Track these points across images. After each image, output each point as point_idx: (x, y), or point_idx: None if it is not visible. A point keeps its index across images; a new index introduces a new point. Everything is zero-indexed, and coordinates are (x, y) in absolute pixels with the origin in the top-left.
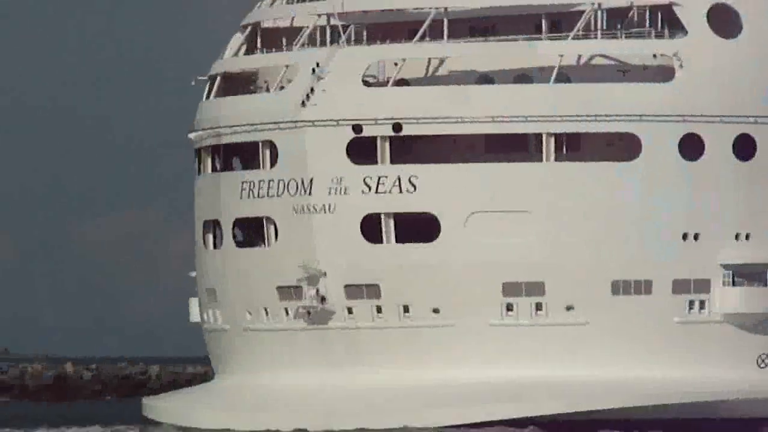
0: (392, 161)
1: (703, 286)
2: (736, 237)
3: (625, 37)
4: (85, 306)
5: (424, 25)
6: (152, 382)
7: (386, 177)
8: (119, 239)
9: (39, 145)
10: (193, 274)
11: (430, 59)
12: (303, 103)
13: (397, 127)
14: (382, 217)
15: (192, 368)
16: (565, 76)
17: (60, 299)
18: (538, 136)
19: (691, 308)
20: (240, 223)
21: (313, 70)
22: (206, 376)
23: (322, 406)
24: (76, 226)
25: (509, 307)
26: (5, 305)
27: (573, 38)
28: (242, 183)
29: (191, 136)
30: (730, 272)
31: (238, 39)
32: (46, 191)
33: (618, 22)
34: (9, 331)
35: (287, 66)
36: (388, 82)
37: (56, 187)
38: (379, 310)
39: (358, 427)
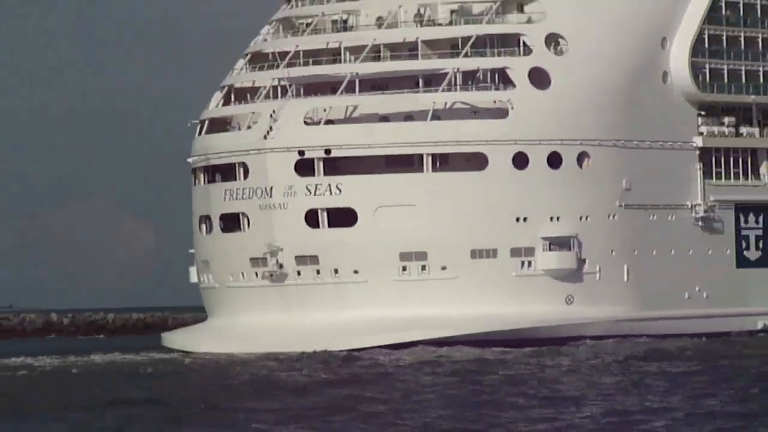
0: (325, 174)
1: (530, 251)
2: (550, 219)
3: (475, 90)
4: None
5: (343, 84)
6: (109, 325)
7: (321, 184)
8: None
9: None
10: (192, 250)
11: (347, 106)
12: (265, 137)
13: (327, 151)
14: (319, 211)
15: (137, 315)
16: (437, 116)
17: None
18: (420, 156)
19: (522, 266)
20: (223, 217)
21: (271, 115)
22: (145, 321)
23: (279, 336)
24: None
25: (404, 268)
26: (10, 271)
27: (441, 91)
28: (225, 190)
29: (189, 160)
30: (548, 242)
31: (218, 96)
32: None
33: (470, 79)
34: (12, 291)
35: (253, 112)
36: (320, 122)
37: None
38: (318, 272)
39: (304, 349)
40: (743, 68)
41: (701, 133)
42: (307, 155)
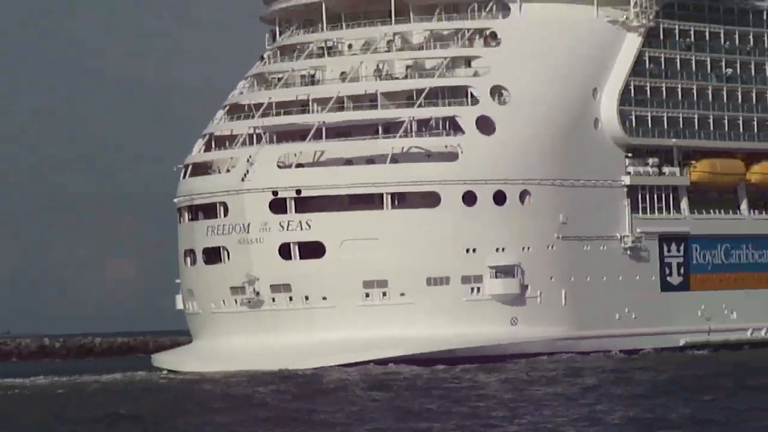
0: (296, 212)
1: (479, 279)
2: (496, 249)
3: (429, 136)
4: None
5: (311, 132)
6: (96, 348)
7: (293, 221)
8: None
9: None
10: (178, 281)
11: (315, 151)
12: (242, 179)
13: (298, 191)
14: (291, 244)
15: (121, 339)
16: (395, 159)
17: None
18: (380, 195)
19: (472, 292)
20: (206, 250)
21: (248, 159)
22: (129, 344)
23: (256, 356)
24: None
25: (367, 295)
26: (9, 301)
27: (398, 137)
28: (207, 227)
29: (175, 200)
30: (494, 270)
31: (200, 143)
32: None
33: (424, 126)
34: (10, 318)
35: (231, 157)
36: (291, 165)
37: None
38: (290, 299)
39: (279, 367)
40: (665, 115)
41: (629, 173)
42: (280, 195)
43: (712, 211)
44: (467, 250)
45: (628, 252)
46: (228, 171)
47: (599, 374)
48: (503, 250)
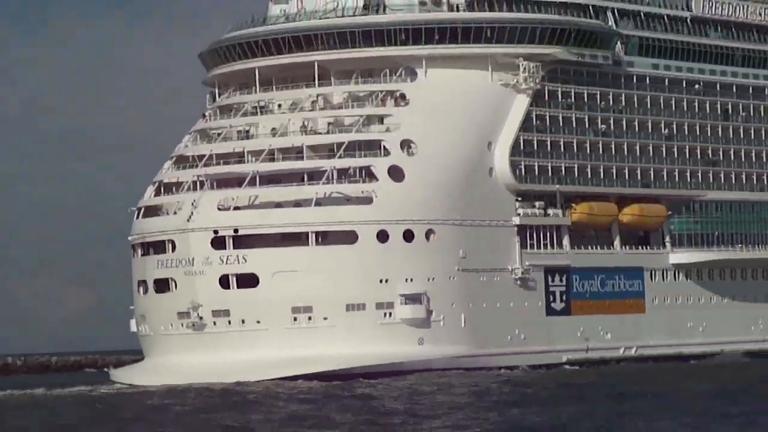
0: (234, 248)
1: (391, 305)
2: (405, 280)
3: (348, 183)
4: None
5: (247, 180)
6: (53, 365)
7: (231, 256)
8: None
9: None
10: (132, 307)
11: (250, 196)
12: (188, 220)
13: (236, 230)
14: (230, 276)
15: (74, 357)
16: (318, 202)
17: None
18: (306, 233)
19: (385, 316)
20: (156, 281)
21: (192, 203)
22: (80, 362)
23: (199, 372)
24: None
25: (295, 319)
26: None
27: (322, 184)
28: (157, 261)
29: (129, 238)
30: (404, 298)
31: (150, 189)
32: None
33: (344, 175)
34: None
35: (178, 201)
36: (230, 208)
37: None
38: (229, 322)
39: (219, 381)
40: (550, 164)
41: (518, 214)
42: (221, 233)
43: (589, 246)
44: (381, 281)
45: (518, 282)
46: (175, 213)
47: (470, 387)
48: (411, 280)
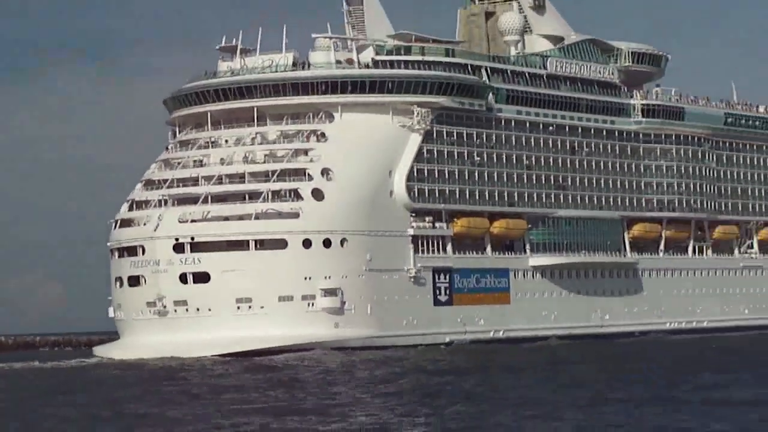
0: (191, 252)
1: (313, 297)
2: (325, 277)
3: (280, 202)
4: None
5: (200, 199)
6: (38, 343)
7: (189, 258)
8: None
9: None
10: (110, 298)
11: (204, 211)
12: (155, 230)
13: (192, 239)
14: (187, 273)
15: (54, 337)
16: (257, 217)
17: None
18: (247, 241)
19: (309, 306)
20: (130, 278)
21: (158, 217)
22: (60, 341)
23: (162, 348)
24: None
25: (238, 308)
26: None
27: (260, 202)
28: (130, 261)
29: (108, 244)
30: (324, 292)
31: (125, 206)
32: None
33: (277, 195)
34: None
35: (147, 215)
36: (188, 221)
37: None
38: (186, 310)
39: (179, 356)
40: (437, 188)
41: (412, 227)
42: (180, 241)
43: (467, 252)
44: (305, 278)
45: (412, 279)
46: (144, 224)
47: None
48: (329, 277)
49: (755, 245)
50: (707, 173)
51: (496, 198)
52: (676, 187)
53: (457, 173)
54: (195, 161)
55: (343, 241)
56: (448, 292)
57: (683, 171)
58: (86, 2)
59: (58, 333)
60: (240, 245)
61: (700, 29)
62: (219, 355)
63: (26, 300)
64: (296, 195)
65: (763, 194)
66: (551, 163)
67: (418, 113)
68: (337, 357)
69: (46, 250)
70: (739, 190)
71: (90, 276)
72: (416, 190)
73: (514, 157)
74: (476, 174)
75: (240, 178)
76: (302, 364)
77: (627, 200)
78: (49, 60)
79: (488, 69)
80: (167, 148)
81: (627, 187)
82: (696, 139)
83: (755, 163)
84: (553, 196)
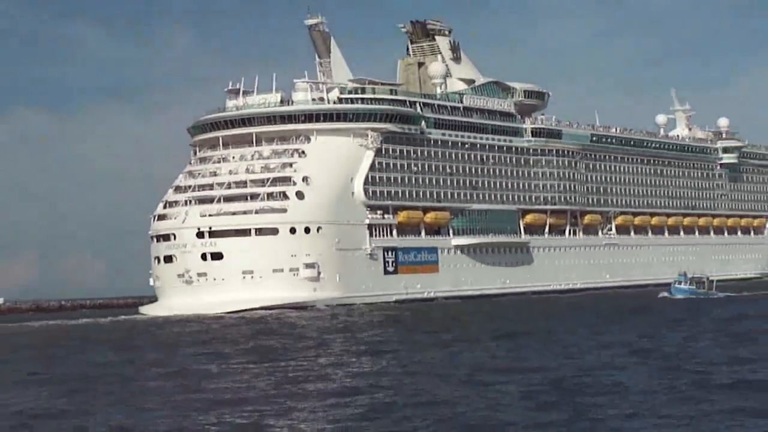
0: (209, 238)
1: (297, 270)
2: (306, 255)
3: (273, 201)
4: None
5: (215, 199)
6: (87, 306)
7: (208, 243)
8: None
9: None
10: (151, 271)
11: (218, 209)
12: (183, 222)
13: (210, 228)
14: (207, 253)
15: (101, 300)
16: (257, 211)
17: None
18: (250, 229)
19: (294, 276)
20: (165, 257)
21: (186, 213)
22: (107, 304)
23: (190, 307)
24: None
25: (244, 277)
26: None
27: (258, 201)
28: (165, 245)
29: (149, 232)
30: (305, 265)
31: (161, 205)
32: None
33: (270, 196)
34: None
35: (177, 212)
36: (206, 216)
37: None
38: (206, 280)
39: (200, 313)
40: (385, 190)
41: (368, 218)
42: (201, 230)
43: (407, 236)
44: (292, 255)
45: (368, 256)
46: (175, 218)
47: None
48: (309, 255)
49: (613, 228)
50: (578, 177)
51: (428, 196)
52: (556, 187)
53: (399, 179)
54: (210, 172)
55: (318, 228)
56: (394, 264)
57: (561, 175)
58: (122, 56)
59: (103, 297)
60: (244, 232)
61: (572, 73)
62: (229, 312)
63: (77, 275)
64: (284, 196)
65: (618, 192)
66: (466, 171)
67: (371, 136)
68: (318, 312)
69: (96, 237)
70: (601, 189)
71: (129, 257)
72: (370, 192)
73: (440, 166)
74: (413, 179)
75: (243, 184)
76: (286, 317)
77: (521, 197)
78: (97, 99)
79: (421, 103)
80: (190, 163)
81: (521, 187)
82: (570, 152)
83: (613, 169)
84: (468, 194)
